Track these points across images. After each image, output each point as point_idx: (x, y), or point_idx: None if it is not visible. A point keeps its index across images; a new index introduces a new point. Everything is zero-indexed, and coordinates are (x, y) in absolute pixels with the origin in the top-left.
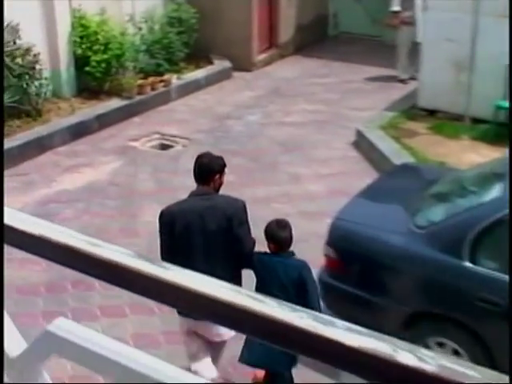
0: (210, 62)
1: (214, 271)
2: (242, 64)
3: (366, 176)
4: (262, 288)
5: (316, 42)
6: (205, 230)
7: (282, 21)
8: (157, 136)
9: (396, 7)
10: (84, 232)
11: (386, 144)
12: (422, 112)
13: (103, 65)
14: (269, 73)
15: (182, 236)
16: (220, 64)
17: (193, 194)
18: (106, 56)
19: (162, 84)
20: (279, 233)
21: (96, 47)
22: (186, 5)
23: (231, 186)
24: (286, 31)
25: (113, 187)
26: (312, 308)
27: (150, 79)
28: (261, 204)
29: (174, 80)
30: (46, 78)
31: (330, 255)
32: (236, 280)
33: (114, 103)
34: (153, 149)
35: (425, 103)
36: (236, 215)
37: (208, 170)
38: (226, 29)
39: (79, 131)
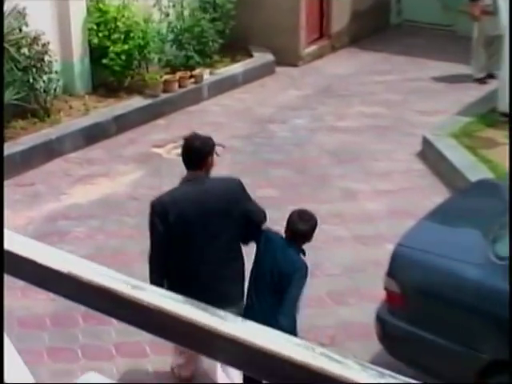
0: (249, 55)
1: (215, 256)
2: (288, 57)
3: (435, 194)
4: (257, 264)
5: (375, 32)
6: (202, 216)
7: (335, 7)
8: None
9: None
10: (99, 254)
11: (458, 155)
12: (502, 117)
13: (123, 57)
14: (319, 68)
15: (177, 226)
16: (261, 57)
17: (184, 180)
18: (126, 46)
19: (192, 80)
20: (298, 224)
21: (115, 36)
22: None
23: (273, 201)
24: (340, 19)
25: (133, 202)
26: (283, 311)
27: (178, 74)
28: None
29: (207, 76)
30: (56, 72)
31: (391, 288)
32: (240, 260)
33: (136, 102)
34: (179, 157)
35: (506, 107)
36: (235, 195)
37: (200, 153)
38: (268, 15)
39: (94, 135)
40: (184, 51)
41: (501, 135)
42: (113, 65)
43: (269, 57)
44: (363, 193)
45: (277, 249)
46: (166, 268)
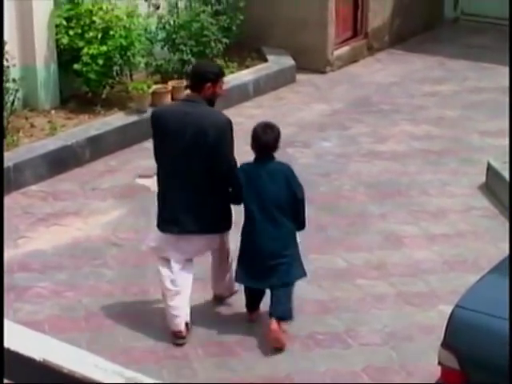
0: (263, 59)
1: (180, 181)
2: (312, 61)
3: (504, 240)
4: (250, 199)
5: (425, 30)
6: (182, 137)
7: None
8: None
9: None
10: (67, 317)
11: None
12: None
13: (100, 61)
14: (353, 75)
15: (163, 138)
16: (277, 61)
17: (181, 99)
18: (104, 48)
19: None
20: (262, 138)
21: (90, 34)
22: None
23: None
24: (380, 13)
25: (111, 248)
26: (301, 218)
27: (171, 84)
28: (340, 279)
29: None
30: (13, 81)
31: (447, 363)
32: (216, 198)
33: (116, 119)
34: None
35: None
36: (213, 131)
37: (199, 76)
38: (287, 8)
39: (62, 161)
40: (178, 54)
41: None
42: (87, 71)
43: (287, 61)
44: (411, 238)
45: (260, 172)
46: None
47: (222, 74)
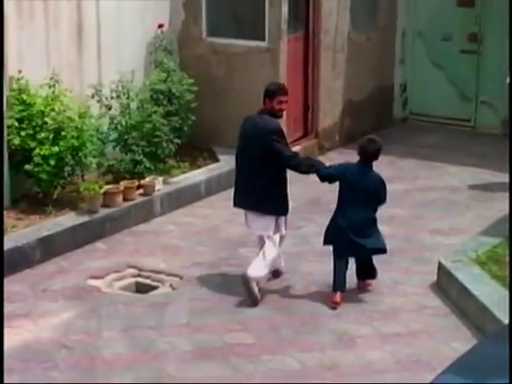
0: (215, 159)
1: (245, 168)
2: None
3: (457, 339)
4: (350, 190)
5: (375, 129)
6: (246, 136)
7: (323, 97)
8: (131, 271)
9: None
10: None
11: (486, 288)
12: None
13: (52, 161)
14: (304, 175)
15: (239, 139)
16: (229, 161)
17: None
18: (56, 149)
19: (141, 191)
20: (367, 146)
21: (42, 135)
22: (179, 72)
23: (246, 350)
24: (330, 113)
25: (62, 351)
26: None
27: (123, 184)
28: (293, 381)
29: (160, 185)
30: None
31: None
32: (263, 180)
33: (68, 220)
34: (125, 291)
35: None
36: (264, 133)
37: (263, 93)
38: (238, 108)
39: (12, 263)
40: (130, 154)
41: None
42: (38, 172)
43: None
44: (363, 337)
45: (361, 173)
46: None
47: (279, 92)
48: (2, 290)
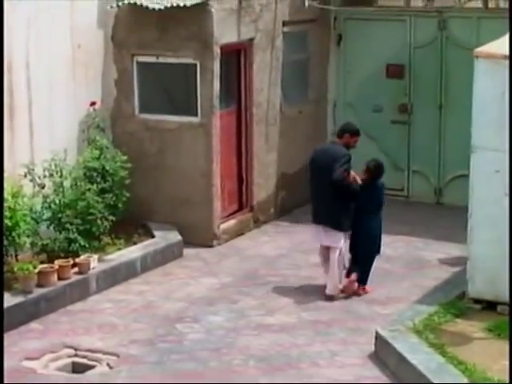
0: (150, 235)
1: (319, 192)
2: (199, 236)
3: None
4: (361, 204)
5: (309, 201)
6: (317, 163)
7: (257, 170)
8: (68, 351)
9: None
10: None
11: (423, 356)
12: (475, 305)
13: None
14: (240, 248)
15: (309, 166)
16: (164, 237)
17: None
18: None
19: (76, 270)
20: (370, 165)
21: None
22: (113, 150)
23: None
24: (264, 186)
25: None
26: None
27: (58, 263)
28: None
29: (95, 263)
30: None
31: None
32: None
33: None
34: (61, 372)
35: (478, 292)
36: (337, 158)
37: (342, 129)
38: (172, 184)
39: None
40: (65, 233)
41: (474, 327)
42: None
43: (174, 236)
44: None
45: (371, 189)
46: None
47: (359, 134)
48: (2, 292)
